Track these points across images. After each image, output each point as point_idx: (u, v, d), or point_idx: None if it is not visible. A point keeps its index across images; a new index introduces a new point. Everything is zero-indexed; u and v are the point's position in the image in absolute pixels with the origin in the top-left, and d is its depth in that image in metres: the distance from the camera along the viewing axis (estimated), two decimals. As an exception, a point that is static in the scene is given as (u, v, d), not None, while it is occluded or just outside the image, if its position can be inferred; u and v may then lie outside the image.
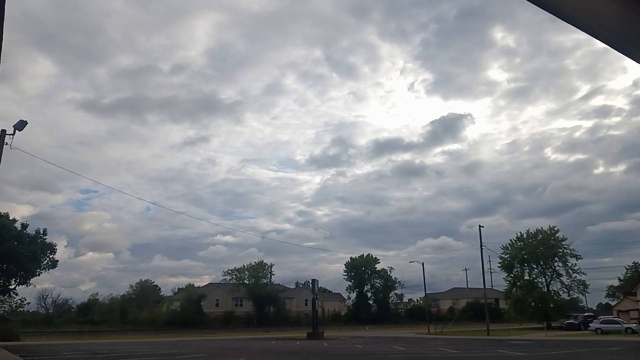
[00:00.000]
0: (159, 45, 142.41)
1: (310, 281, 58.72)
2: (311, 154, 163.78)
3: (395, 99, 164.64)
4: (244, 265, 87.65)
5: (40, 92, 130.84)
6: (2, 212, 46.60)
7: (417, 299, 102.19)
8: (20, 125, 23.50)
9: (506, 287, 67.42)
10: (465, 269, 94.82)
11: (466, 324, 73.85)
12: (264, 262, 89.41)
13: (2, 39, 4.90)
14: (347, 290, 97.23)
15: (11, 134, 23.22)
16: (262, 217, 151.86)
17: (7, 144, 23.05)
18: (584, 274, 62.50)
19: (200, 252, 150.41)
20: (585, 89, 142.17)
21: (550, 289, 63.48)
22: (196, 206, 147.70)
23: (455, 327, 63.85)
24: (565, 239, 62.96)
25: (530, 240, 64.33)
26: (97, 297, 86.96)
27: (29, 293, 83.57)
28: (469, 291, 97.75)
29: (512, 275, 65.53)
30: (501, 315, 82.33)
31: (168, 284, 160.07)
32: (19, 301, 59.74)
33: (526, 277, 64.78)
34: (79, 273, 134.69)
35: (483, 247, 55.79)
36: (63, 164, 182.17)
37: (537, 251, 62.75)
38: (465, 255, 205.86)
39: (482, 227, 57.30)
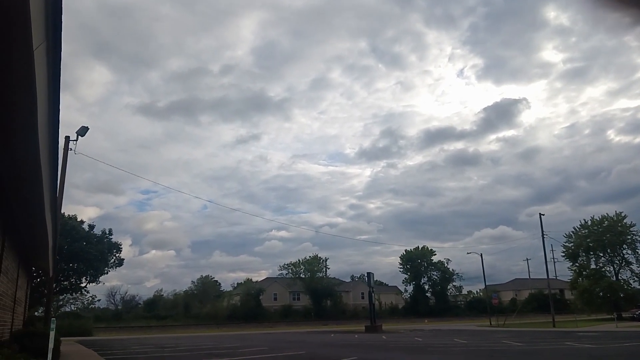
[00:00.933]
0: (207, 46, 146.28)
1: (366, 274, 58.55)
2: (360, 146, 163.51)
3: (444, 86, 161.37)
4: (299, 260, 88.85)
5: (99, 98, 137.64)
6: (70, 214, 49.16)
7: (476, 291, 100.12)
8: (82, 131, 24.69)
9: (571, 277, 64.72)
10: (527, 259, 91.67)
11: (529, 316, 71.55)
12: (319, 256, 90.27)
13: (61, 49, 5.14)
14: (403, 283, 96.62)
15: (74, 140, 24.45)
16: (315, 212, 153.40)
17: (71, 149, 24.30)
18: (656, 261, 59.13)
19: (256, 247, 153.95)
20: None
21: (620, 277, 60.44)
22: (250, 202, 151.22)
23: (518, 319, 61.96)
24: (634, 225, 59.66)
25: (595, 228, 61.37)
26: (162, 293, 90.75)
27: (99, 290, 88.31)
28: (531, 282, 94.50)
29: (577, 264, 62.82)
30: (567, 306, 79.06)
31: (227, 279, 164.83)
32: (90, 298, 63.33)
33: (592, 266, 61.95)
34: (144, 270, 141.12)
35: (545, 235, 53.71)
36: (124, 167, 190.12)
37: (603, 239, 59.80)
38: (526, 245, 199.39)
39: (543, 215, 55.17)
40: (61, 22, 4.55)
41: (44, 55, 4.68)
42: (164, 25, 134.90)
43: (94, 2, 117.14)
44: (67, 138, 24.26)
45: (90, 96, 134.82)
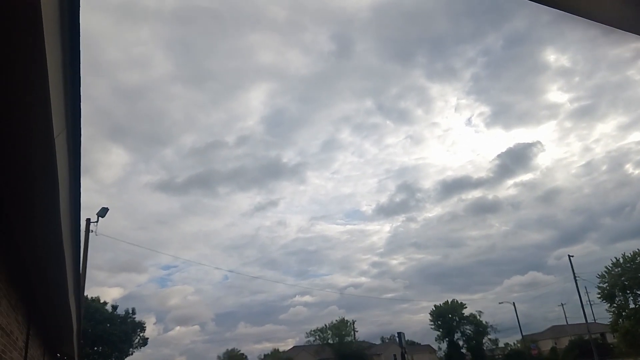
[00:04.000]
0: (218, 120, 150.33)
1: (397, 334, 56.63)
2: (377, 203, 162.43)
3: (454, 136, 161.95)
4: (325, 325, 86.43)
5: (117, 179, 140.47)
6: (93, 296, 49.07)
7: (513, 342, 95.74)
8: (103, 212, 25.14)
9: (611, 319, 61.99)
10: (562, 304, 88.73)
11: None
12: (346, 319, 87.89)
13: (80, 135, 5.35)
14: (436, 340, 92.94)
15: (95, 222, 24.85)
16: (337, 273, 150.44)
17: (92, 231, 24.65)
18: (700, 295, 56.60)
19: (281, 315, 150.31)
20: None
21: (663, 315, 57.71)
22: (271, 269, 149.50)
23: (561, 369, 58.97)
24: (670, 259, 57.64)
25: (628, 265, 59.31)
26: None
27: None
28: (570, 328, 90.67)
29: (615, 305, 60.32)
30: (611, 350, 75.17)
31: (254, 351, 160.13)
32: (116, 382, 61.86)
33: (632, 306, 59.38)
34: (169, 348, 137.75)
35: (577, 277, 52.20)
36: (144, 244, 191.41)
37: (638, 276, 57.69)
38: (559, 289, 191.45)
39: (572, 256, 53.92)
40: (80, 109, 4.76)
41: (64, 142, 4.86)
42: (176, 104, 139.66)
43: (108, 87, 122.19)
44: (88, 220, 24.68)
45: (109, 178, 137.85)
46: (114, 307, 49.80)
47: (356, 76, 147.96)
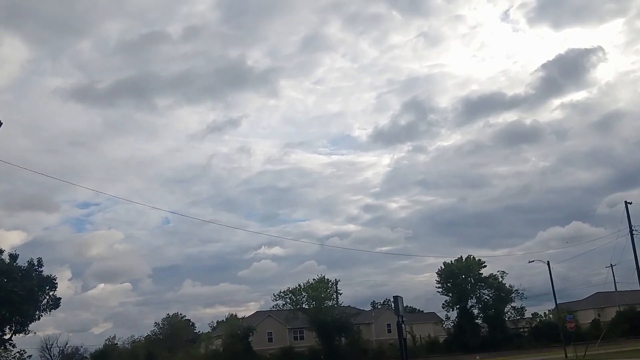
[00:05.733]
0: (156, 1, 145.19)
1: (392, 299, 58.16)
2: (375, 126, 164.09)
3: (484, 36, 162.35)
4: (300, 285, 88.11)
5: (13, 81, 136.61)
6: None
7: (544, 313, 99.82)
8: (-8, 126, 24.28)
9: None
10: (611, 265, 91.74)
11: (620, 342, 71.27)
12: (326, 278, 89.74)
13: None
14: (443, 307, 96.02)
15: (-18, 139, 24.07)
16: (317, 219, 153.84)
17: (-22, 152, 23.91)
18: None
19: (240, 271, 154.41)
20: None
21: None
22: (228, 211, 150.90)
23: (604, 347, 61.87)
24: None
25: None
26: (116, 342, 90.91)
27: (29, 343, 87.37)
28: (619, 296, 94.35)
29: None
30: (670, 325, 78.89)
31: (204, 317, 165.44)
32: (18, 354, 63.01)
33: None
34: (90, 312, 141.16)
35: (635, 231, 53.50)
36: (53, 173, 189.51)
37: None
38: (609, 246, 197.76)
39: (630, 203, 54.91)
40: None
41: None
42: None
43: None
44: (-30, 137, 23.88)
45: (1, 79, 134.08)
46: (13, 257, 49.74)
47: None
